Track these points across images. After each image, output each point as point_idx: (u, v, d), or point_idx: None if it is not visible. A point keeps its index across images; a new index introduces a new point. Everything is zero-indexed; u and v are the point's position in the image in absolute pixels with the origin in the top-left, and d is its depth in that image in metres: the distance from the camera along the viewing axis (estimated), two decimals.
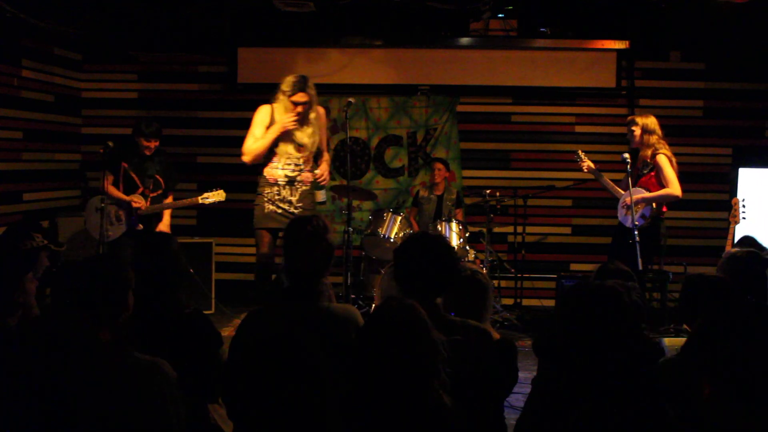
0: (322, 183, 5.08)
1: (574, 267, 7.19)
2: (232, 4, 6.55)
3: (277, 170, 5.02)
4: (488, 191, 6.41)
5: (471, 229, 6.61)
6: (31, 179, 6.39)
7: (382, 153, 7.27)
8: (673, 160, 5.00)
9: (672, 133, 7.08)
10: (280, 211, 5.00)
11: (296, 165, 5.01)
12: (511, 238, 6.87)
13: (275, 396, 2.36)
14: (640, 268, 4.59)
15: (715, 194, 7.08)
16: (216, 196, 5.50)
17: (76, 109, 7.23)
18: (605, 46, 6.87)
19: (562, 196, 7.13)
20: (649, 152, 5.03)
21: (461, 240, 6.08)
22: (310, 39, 7.00)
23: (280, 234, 5.03)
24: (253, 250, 6.77)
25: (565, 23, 6.85)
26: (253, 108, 7.37)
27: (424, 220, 6.59)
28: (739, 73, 7.05)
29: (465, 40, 6.96)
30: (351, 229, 4.99)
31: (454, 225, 6.14)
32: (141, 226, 5.48)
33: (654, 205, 5.07)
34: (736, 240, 5.29)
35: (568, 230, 7.27)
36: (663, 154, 4.99)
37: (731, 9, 5.50)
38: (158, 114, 7.08)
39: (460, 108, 7.23)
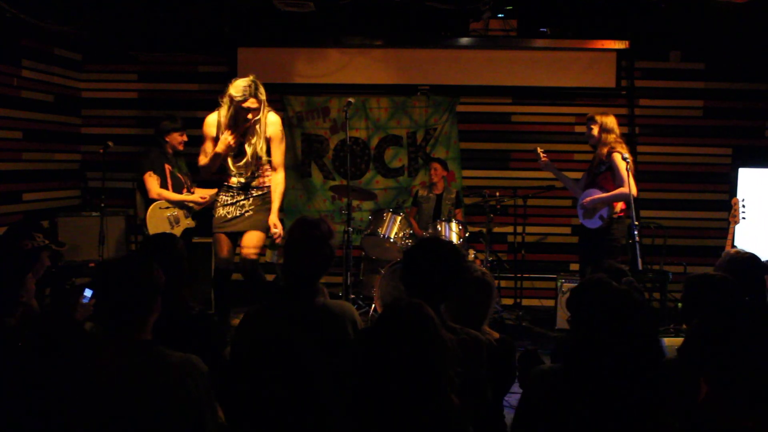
0: (278, 241, 4.76)
1: (573, 267, 7.18)
2: (232, 4, 6.55)
3: (231, 177, 4.87)
4: (488, 191, 6.41)
5: (471, 229, 6.61)
6: (31, 179, 6.40)
7: (382, 153, 7.27)
8: (630, 159, 4.97)
9: (672, 133, 7.12)
10: (230, 216, 4.89)
11: (242, 174, 4.85)
12: (511, 238, 6.86)
13: (274, 394, 2.36)
14: (640, 267, 4.59)
15: (715, 194, 7.08)
16: None
17: (76, 109, 7.24)
18: (605, 46, 6.87)
19: (561, 196, 7.12)
20: (605, 150, 5.01)
21: (461, 240, 6.07)
22: (310, 39, 7.00)
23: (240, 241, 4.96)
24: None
25: (565, 23, 6.84)
26: None
27: (424, 219, 6.59)
28: (739, 73, 7.05)
29: (465, 40, 6.96)
30: (351, 229, 4.99)
31: (453, 225, 6.14)
32: (194, 223, 5.61)
33: (615, 205, 5.04)
34: (735, 240, 5.29)
35: (567, 230, 7.26)
36: (618, 152, 4.97)
37: (731, 9, 5.49)
38: (158, 114, 7.09)
39: (460, 108, 7.23)
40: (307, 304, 2.48)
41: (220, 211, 4.91)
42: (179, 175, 5.60)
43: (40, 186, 6.55)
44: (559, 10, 6.72)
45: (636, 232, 4.67)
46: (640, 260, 4.59)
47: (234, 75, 7.10)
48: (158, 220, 5.46)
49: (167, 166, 5.53)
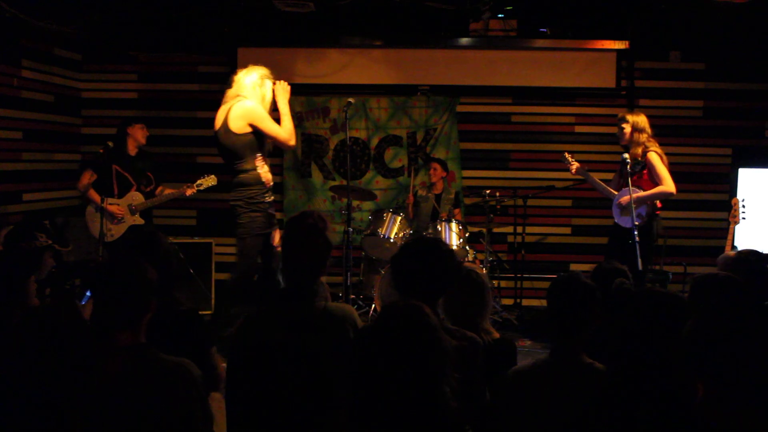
0: None
1: (574, 267, 7.18)
2: (232, 4, 6.54)
3: (268, 174, 4.76)
4: (488, 191, 6.41)
5: (471, 229, 6.61)
6: (31, 179, 6.39)
7: (382, 153, 7.27)
8: (664, 158, 4.97)
9: (672, 133, 7.11)
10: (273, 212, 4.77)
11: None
12: (511, 238, 6.87)
13: (273, 398, 2.35)
14: (640, 268, 4.58)
15: (715, 194, 7.08)
16: (209, 181, 5.66)
17: (76, 109, 7.23)
18: (605, 46, 6.87)
19: (562, 196, 7.13)
20: (639, 150, 4.99)
21: (461, 240, 6.07)
22: (310, 39, 7.00)
23: None
24: None
25: (565, 23, 6.84)
26: None
27: (422, 219, 6.59)
28: (739, 73, 7.05)
29: (465, 40, 6.96)
30: (351, 229, 4.99)
31: (453, 225, 6.14)
32: (142, 221, 5.64)
33: (649, 203, 5.04)
34: (735, 240, 5.30)
35: (567, 230, 7.27)
36: (654, 151, 4.95)
37: (731, 9, 5.50)
38: (158, 114, 7.10)
39: (460, 108, 7.23)
40: (308, 307, 2.47)
41: (269, 211, 4.74)
42: (128, 176, 5.63)
43: (40, 186, 6.55)
44: (559, 10, 6.72)
45: (636, 232, 4.66)
46: (640, 260, 4.58)
47: (234, 75, 7.13)
48: (97, 216, 5.50)
49: (115, 167, 5.58)
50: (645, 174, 5.02)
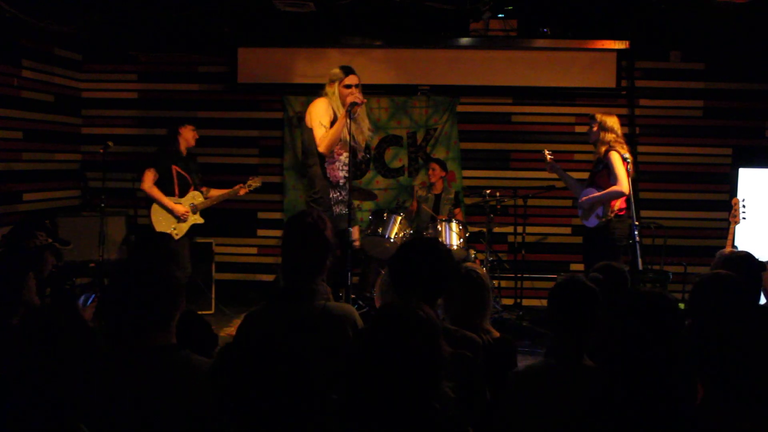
0: None
1: (574, 267, 7.18)
2: (232, 4, 6.54)
3: (339, 171, 4.93)
4: (488, 191, 6.40)
5: (471, 229, 6.61)
6: (31, 179, 6.39)
7: (382, 153, 7.27)
8: (630, 159, 4.95)
9: (672, 133, 7.12)
10: (345, 212, 4.84)
11: (345, 165, 4.91)
12: (511, 238, 6.86)
13: (273, 397, 2.35)
14: (640, 267, 4.58)
15: (715, 194, 7.08)
16: (257, 181, 5.87)
17: (76, 109, 7.24)
18: (605, 46, 6.87)
19: (562, 196, 7.11)
20: (603, 149, 5.01)
21: (461, 240, 6.07)
22: (310, 39, 7.00)
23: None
24: (253, 250, 6.78)
25: (565, 23, 6.84)
26: (254, 108, 7.41)
27: (423, 219, 6.59)
28: (739, 73, 7.05)
29: (465, 40, 6.96)
30: (351, 229, 4.98)
31: (454, 225, 6.14)
32: (202, 220, 5.74)
33: (613, 204, 5.01)
34: (735, 240, 5.29)
35: (568, 230, 7.26)
36: (616, 152, 4.95)
37: (731, 9, 5.49)
38: (158, 114, 7.09)
39: (460, 108, 7.22)
40: (307, 307, 2.46)
41: (336, 209, 4.98)
42: (186, 176, 5.68)
43: (40, 186, 6.55)
44: (559, 10, 6.71)
45: (636, 232, 4.67)
46: (640, 260, 4.59)
47: (234, 75, 7.15)
48: (163, 215, 5.53)
49: (174, 167, 5.64)
50: (605, 173, 5.02)
